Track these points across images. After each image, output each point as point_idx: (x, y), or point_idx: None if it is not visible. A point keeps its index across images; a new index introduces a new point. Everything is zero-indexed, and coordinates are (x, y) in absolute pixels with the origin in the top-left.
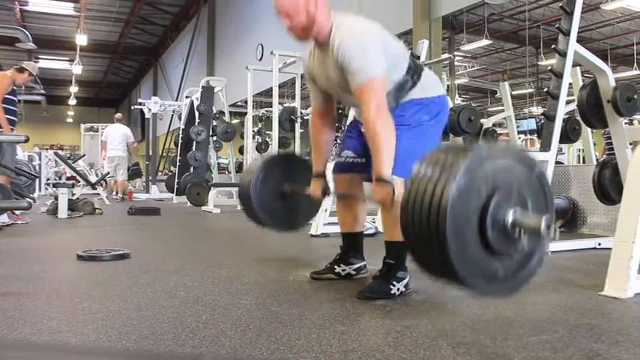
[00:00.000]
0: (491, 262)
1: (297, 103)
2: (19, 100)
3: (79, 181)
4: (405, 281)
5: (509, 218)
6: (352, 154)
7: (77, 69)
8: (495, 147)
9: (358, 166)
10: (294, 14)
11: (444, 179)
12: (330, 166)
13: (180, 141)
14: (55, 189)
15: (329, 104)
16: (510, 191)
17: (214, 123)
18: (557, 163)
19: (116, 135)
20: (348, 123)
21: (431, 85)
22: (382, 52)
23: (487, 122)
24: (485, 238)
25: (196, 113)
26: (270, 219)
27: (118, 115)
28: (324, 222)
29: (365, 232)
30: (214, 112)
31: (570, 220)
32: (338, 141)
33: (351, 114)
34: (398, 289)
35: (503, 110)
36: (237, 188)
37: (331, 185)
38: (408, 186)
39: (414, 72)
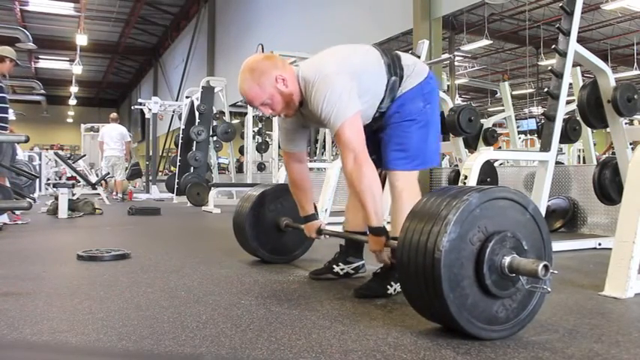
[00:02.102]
0: (493, 305)
1: None
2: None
3: (79, 181)
4: None
5: (506, 264)
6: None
7: (77, 69)
8: (486, 192)
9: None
10: (269, 101)
11: (434, 233)
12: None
13: (180, 141)
14: (55, 189)
15: (301, 144)
16: (504, 236)
17: (214, 123)
18: (557, 163)
19: (113, 135)
20: None
21: (415, 71)
22: (353, 90)
23: (487, 122)
24: (483, 284)
25: (196, 113)
26: (264, 250)
27: (114, 115)
28: (324, 222)
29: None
30: (214, 112)
31: (570, 220)
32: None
33: None
34: (395, 290)
35: (503, 110)
36: (237, 188)
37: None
38: (401, 239)
39: (394, 67)
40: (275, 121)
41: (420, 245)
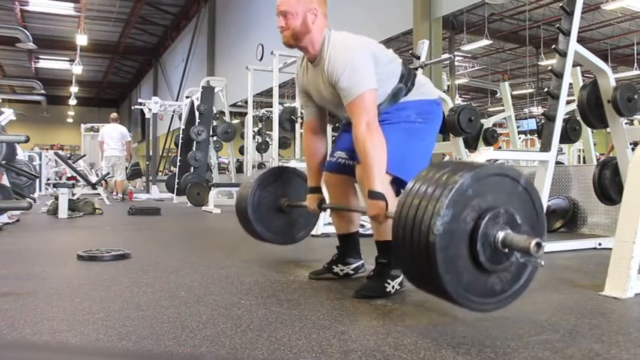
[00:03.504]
0: (488, 279)
1: (297, 103)
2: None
3: (80, 181)
4: (399, 279)
5: (499, 240)
6: (344, 155)
7: (77, 69)
8: (478, 171)
9: (349, 169)
10: (292, 16)
11: (429, 214)
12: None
13: (180, 141)
14: (55, 189)
15: (321, 118)
16: (498, 213)
17: (214, 123)
18: (557, 163)
19: (113, 135)
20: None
21: (424, 90)
22: (373, 69)
23: (487, 122)
24: (478, 261)
25: (196, 113)
26: (268, 232)
27: (114, 115)
28: (324, 222)
29: (363, 232)
30: (214, 112)
31: (571, 220)
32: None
33: None
34: (393, 287)
35: (503, 110)
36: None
37: (327, 197)
38: (396, 216)
39: (408, 79)
40: (275, 121)
41: (415, 226)
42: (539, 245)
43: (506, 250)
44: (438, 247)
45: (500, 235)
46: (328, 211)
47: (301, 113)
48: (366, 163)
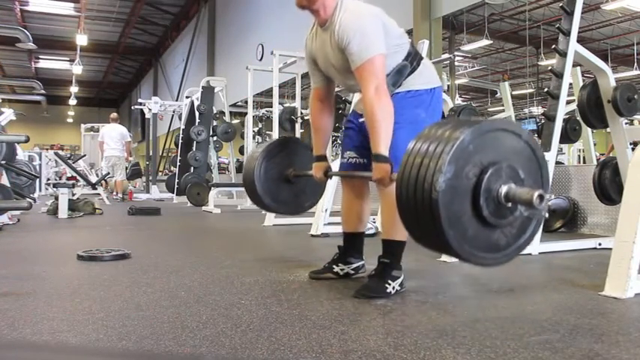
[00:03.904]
0: (492, 234)
1: (297, 103)
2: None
3: (80, 181)
4: (399, 280)
5: (502, 194)
6: (354, 155)
7: (77, 69)
8: (479, 127)
9: (361, 167)
10: None
11: (431, 171)
12: (334, 166)
13: (180, 141)
14: (55, 189)
15: (329, 87)
16: (500, 167)
17: (214, 123)
18: (557, 163)
19: (113, 135)
20: (348, 115)
21: (428, 75)
22: (383, 36)
23: None
24: (482, 216)
25: (196, 113)
26: (276, 204)
27: (114, 115)
28: (324, 222)
29: (365, 233)
30: (214, 112)
31: (570, 220)
32: (338, 141)
33: (351, 108)
34: (393, 288)
35: (503, 110)
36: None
37: (333, 166)
38: (401, 168)
39: (414, 59)
40: (275, 121)
41: (418, 184)
42: (541, 197)
43: (510, 205)
44: (441, 204)
45: (503, 189)
46: (328, 211)
47: (302, 113)
48: (373, 126)
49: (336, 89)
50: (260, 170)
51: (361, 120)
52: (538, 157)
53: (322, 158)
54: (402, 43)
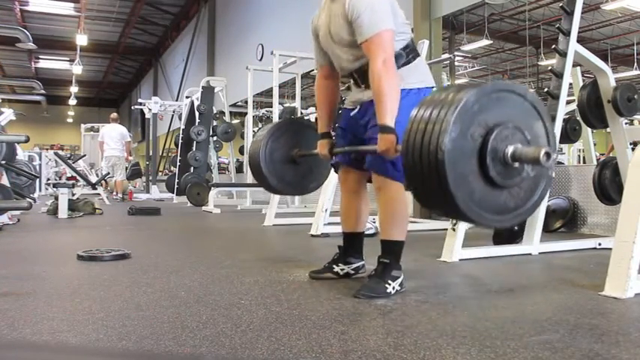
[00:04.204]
0: (500, 195)
1: (297, 103)
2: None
3: (80, 181)
4: (399, 280)
5: (509, 154)
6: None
7: (77, 69)
8: (482, 87)
9: (354, 162)
10: None
11: (436, 134)
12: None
13: (180, 141)
14: (55, 189)
15: (333, 65)
16: (505, 128)
17: (214, 123)
18: (557, 163)
19: (113, 135)
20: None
21: (421, 72)
22: (392, 15)
23: None
24: (489, 177)
25: (196, 113)
26: (282, 184)
27: (114, 115)
28: (324, 222)
29: (365, 233)
30: (214, 112)
31: (570, 220)
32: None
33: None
34: (393, 288)
35: None
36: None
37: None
38: (405, 135)
39: (410, 52)
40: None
41: (424, 148)
42: (548, 155)
43: (517, 165)
44: (447, 164)
45: (510, 149)
46: (328, 211)
47: (302, 113)
48: (380, 98)
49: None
50: (265, 151)
51: (351, 114)
52: (543, 118)
53: (327, 135)
54: (405, 32)
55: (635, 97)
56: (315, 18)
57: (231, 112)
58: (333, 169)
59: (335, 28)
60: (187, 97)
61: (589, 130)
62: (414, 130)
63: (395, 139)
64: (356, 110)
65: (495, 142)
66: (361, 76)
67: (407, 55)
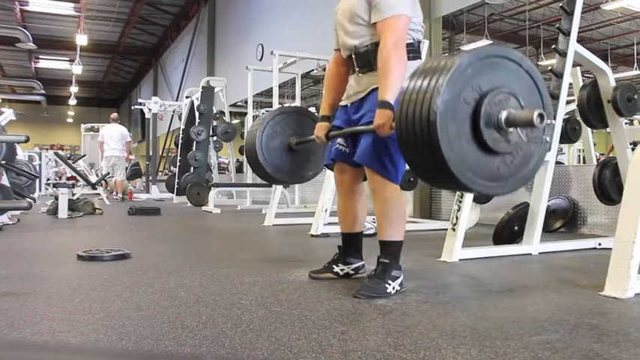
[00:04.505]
0: (494, 161)
1: (297, 103)
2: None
3: (80, 181)
4: (399, 280)
5: (502, 118)
6: (343, 143)
7: (77, 69)
8: (477, 51)
9: (347, 155)
10: None
11: (428, 97)
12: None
13: (180, 141)
14: (55, 189)
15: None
16: (499, 93)
17: (214, 123)
18: (557, 163)
19: (113, 135)
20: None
21: None
22: (411, 5)
23: None
24: (482, 141)
25: (196, 113)
26: (279, 173)
27: (114, 115)
28: (324, 222)
29: (365, 233)
30: (214, 112)
31: (570, 220)
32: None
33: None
34: (393, 288)
35: None
36: (237, 188)
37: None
38: (398, 106)
39: (412, 51)
40: None
41: (416, 112)
42: (542, 116)
43: (511, 130)
44: (439, 125)
45: (503, 114)
46: (328, 211)
47: None
48: (384, 73)
49: None
50: (262, 139)
51: (344, 103)
52: (538, 85)
53: (326, 118)
54: (416, 30)
55: (635, 97)
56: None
57: (231, 112)
58: (326, 169)
59: (351, 4)
60: (187, 97)
61: (589, 130)
62: (407, 101)
63: (392, 115)
64: (349, 105)
65: (489, 106)
66: (359, 57)
67: (408, 52)
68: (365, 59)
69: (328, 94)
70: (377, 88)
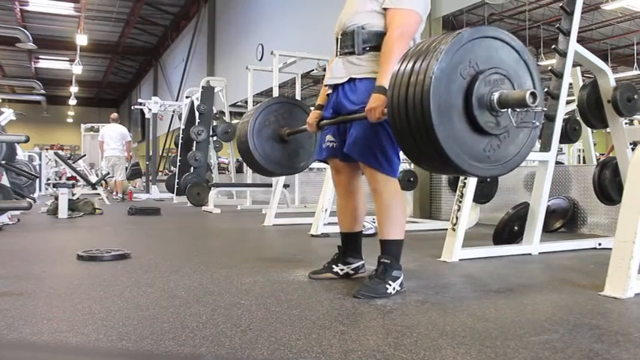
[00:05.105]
0: (482, 141)
1: None
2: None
3: (80, 181)
4: (399, 280)
5: (495, 97)
6: (332, 139)
7: (77, 69)
8: (478, 29)
9: (337, 151)
10: None
11: (425, 64)
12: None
13: (180, 141)
14: (55, 189)
15: None
16: (494, 73)
17: (214, 123)
18: (557, 163)
19: (113, 135)
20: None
21: None
22: (423, 4)
23: None
24: (472, 118)
25: (196, 113)
26: (270, 164)
27: (114, 115)
28: (324, 222)
29: (365, 233)
30: (214, 112)
31: (570, 220)
32: None
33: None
34: (394, 288)
35: None
36: (237, 188)
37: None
38: (392, 80)
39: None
40: None
41: (412, 78)
42: (534, 95)
43: (502, 112)
44: (433, 91)
45: (496, 94)
46: (328, 211)
47: None
48: (386, 61)
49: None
50: (253, 130)
51: (334, 96)
52: (533, 76)
53: (320, 107)
54: (421, 29)
55: (635, 97)
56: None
57: (231, 112)
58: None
59: None
60: (187, 97)
61: (589, 130)
62: (404, 67)
63: (385, 100)
64: (338, 90)
65: (483, 84)
66: (352, 37)
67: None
68: (367, 41)
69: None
70: (363, 79)
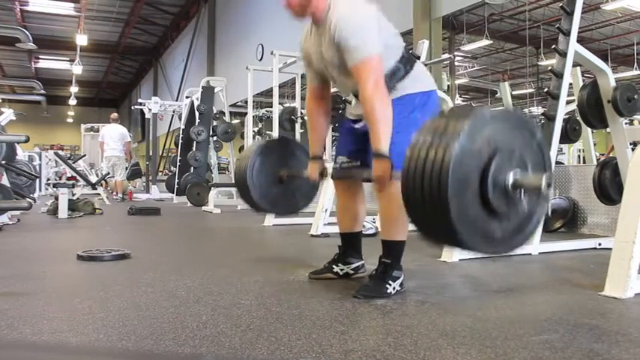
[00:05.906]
0: (491, 222)
1: (297, 103)
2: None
3: (80, 181)
4: (400, 280)
5: (510, 179)
6: (346, 159)
7: (77, 69)
8: (497, 111)
9: (354, 169)
10: None
11: (445, 141)
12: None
13: (180, 141)
14: (55, 189)
15: (325, 87)
16: (511, 154)
17: (214, 123)
18: (557, 163)
19: (113, 135)
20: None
21: (423, 78)
22: (377, 33)
23: None
24: (486, 199)
25: (196, 113)
26: (269, 205)
27: (114, 115)
28: (324, 222)
29: (365, 233)
30: (214, 112)
31: (570, 220)
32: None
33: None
34: (394, 288)
35: None
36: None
37: (329, 167)
38: (408, 153)
39: (407, 62)
40: (275, 121)
41: (429, 155)
42: (549, 184)
43: (516, 196)
44: (452, 167)
45: (511, 175)
46: (328, 211)
47: (302, 113)
48: (373, 122)
49: (333, 90)
50: (252, 170)
51: (356, 126)
52: (545, 160)
53: (318, 158)
54: (396, 44)
55: (635, 97)
56: (302, 40)
57: (231, 112)
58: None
59: (327, 55)
60: (187, 97)
61: (589, 130)
62: (422, 140)
63: (390, 167)
64: (361, 124)
65: (500, 164)
66: None
67: (404, 66)
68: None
69: (315, 134)
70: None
